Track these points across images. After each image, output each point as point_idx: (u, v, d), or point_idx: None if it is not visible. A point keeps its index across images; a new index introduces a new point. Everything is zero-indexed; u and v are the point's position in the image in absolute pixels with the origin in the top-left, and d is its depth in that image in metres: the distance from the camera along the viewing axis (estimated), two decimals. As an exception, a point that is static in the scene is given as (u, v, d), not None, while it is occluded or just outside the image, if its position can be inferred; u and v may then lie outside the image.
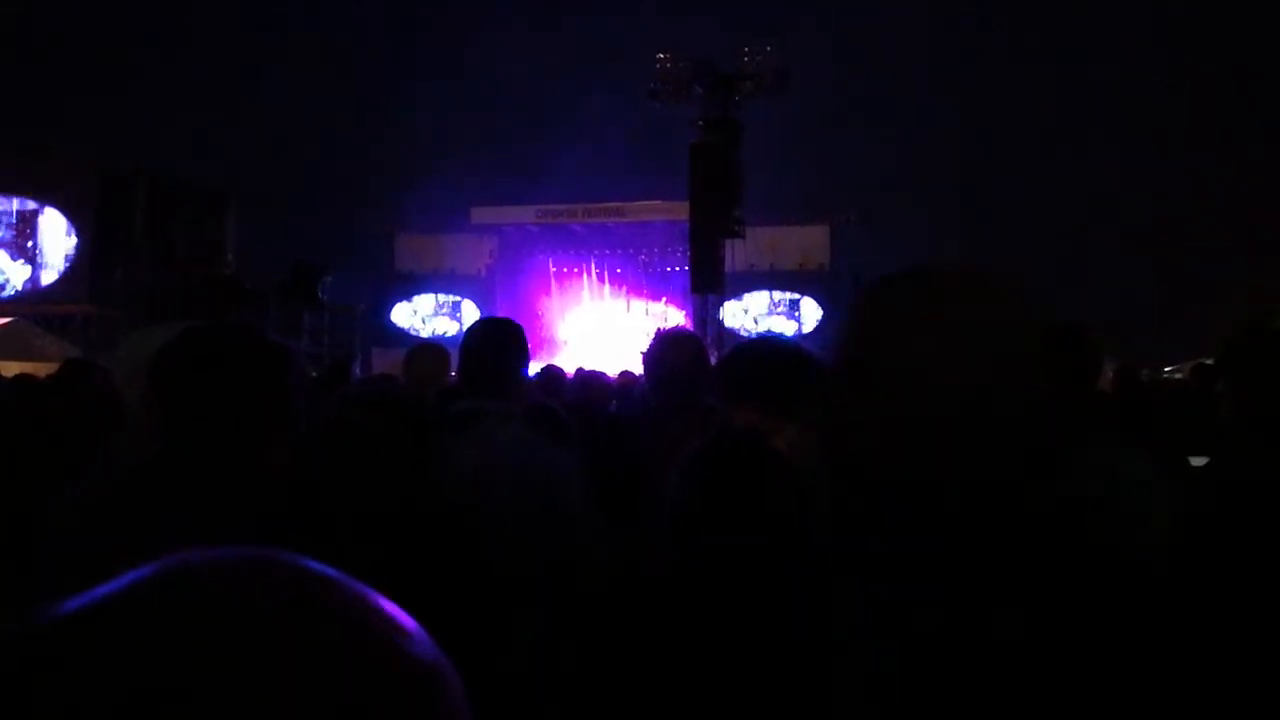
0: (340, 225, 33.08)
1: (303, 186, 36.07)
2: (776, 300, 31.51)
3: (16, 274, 24.81)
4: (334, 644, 0.39)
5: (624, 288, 31.41)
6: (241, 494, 1.36)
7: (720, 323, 23.80)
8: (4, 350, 14.38)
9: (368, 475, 1.96)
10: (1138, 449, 2.07)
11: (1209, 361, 6.74)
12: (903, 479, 0.93)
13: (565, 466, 2.28)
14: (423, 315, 33.02)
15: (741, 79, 23.08)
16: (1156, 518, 1.92)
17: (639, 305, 31.23)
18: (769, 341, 1.97)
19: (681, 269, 28.01)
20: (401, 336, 30.54)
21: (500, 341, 2.45)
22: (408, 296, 33.02)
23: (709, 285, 22.92)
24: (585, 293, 31.39)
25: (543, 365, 6.35)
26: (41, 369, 8.27)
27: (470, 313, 32.51)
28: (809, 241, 31.19)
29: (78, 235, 24.43)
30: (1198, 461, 2.81)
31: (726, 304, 26.78)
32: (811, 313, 31.17)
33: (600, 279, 31.49)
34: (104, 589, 0.39)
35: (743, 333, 28.56)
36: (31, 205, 24.70)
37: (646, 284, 31.48)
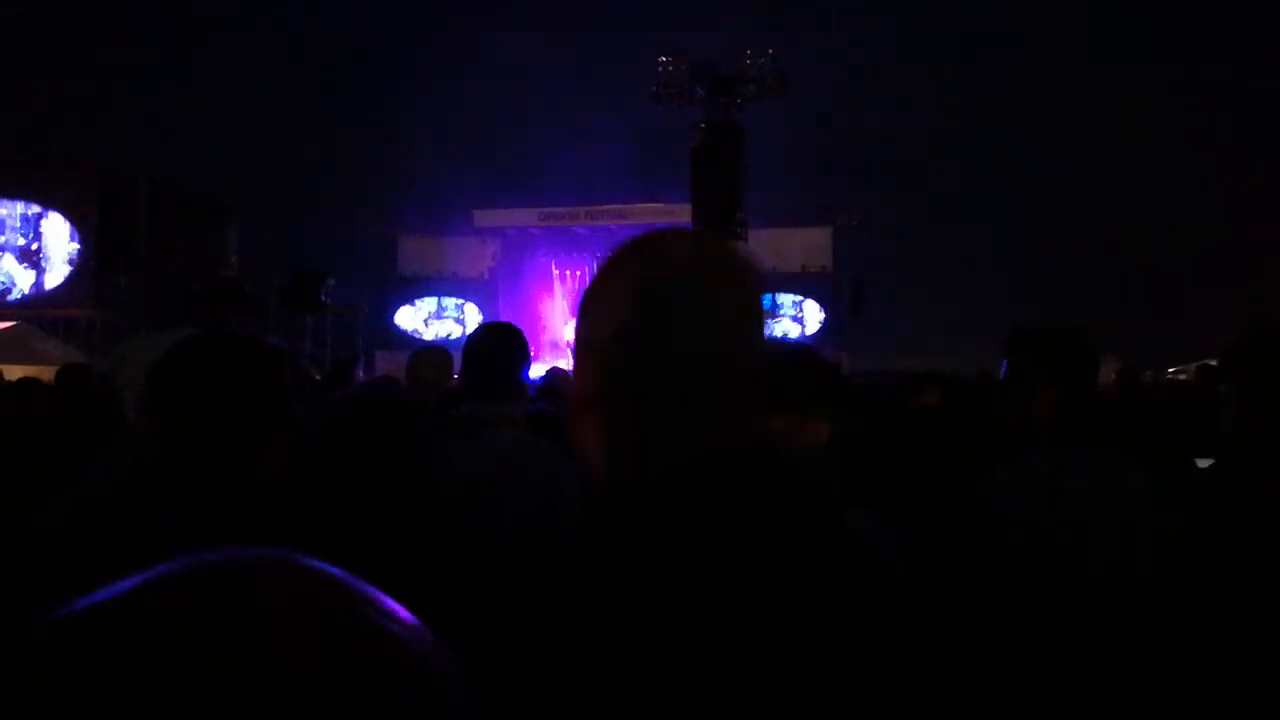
0: (343, 228, 33.16)
1: (305, 190, 36.16)
2: (779, 302, 31.49)
3: (22, 278, 24.86)
4: (339, 642, 0.40)
5: (627, 290, 31.39)
6: (238, 497, 1.36)
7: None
8: (7, 354, 14.40)
9: (365, 476, 1.96)
10: (1131, 453, 2.06)
11: (1214, 363, 6.73)
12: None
13: (568, 472, 2.29)
14: (425, 318, 33.04)
15: (743, 82, 23.11)
16: (1150, 520, 1.91)
17: (642, 308, 31.19)
18: (775, 343, 1.96)
19: (684, 271, 27.97)
20: (404, 339, 30.56)
21: (502, 346, 2.45)
22: (410, 299, 33.03)
23: (711, 288, 22.90)
24: (588, 295, 31.38)
25: (547, 368, 6.34)
26: (45, 373, 8.27)
27: (472, 315, 32.54)
28: (811, 244, 31.16)
29: (81, 240, 24.48)
30: (1204, 464, 2.79)
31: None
32: (814, 315, 31.15)
33: (603, 282, 31.47)
34: (110, 591, 0.40)
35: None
36: (35, 209, 24.76)
37: (649, 286, 31.46)
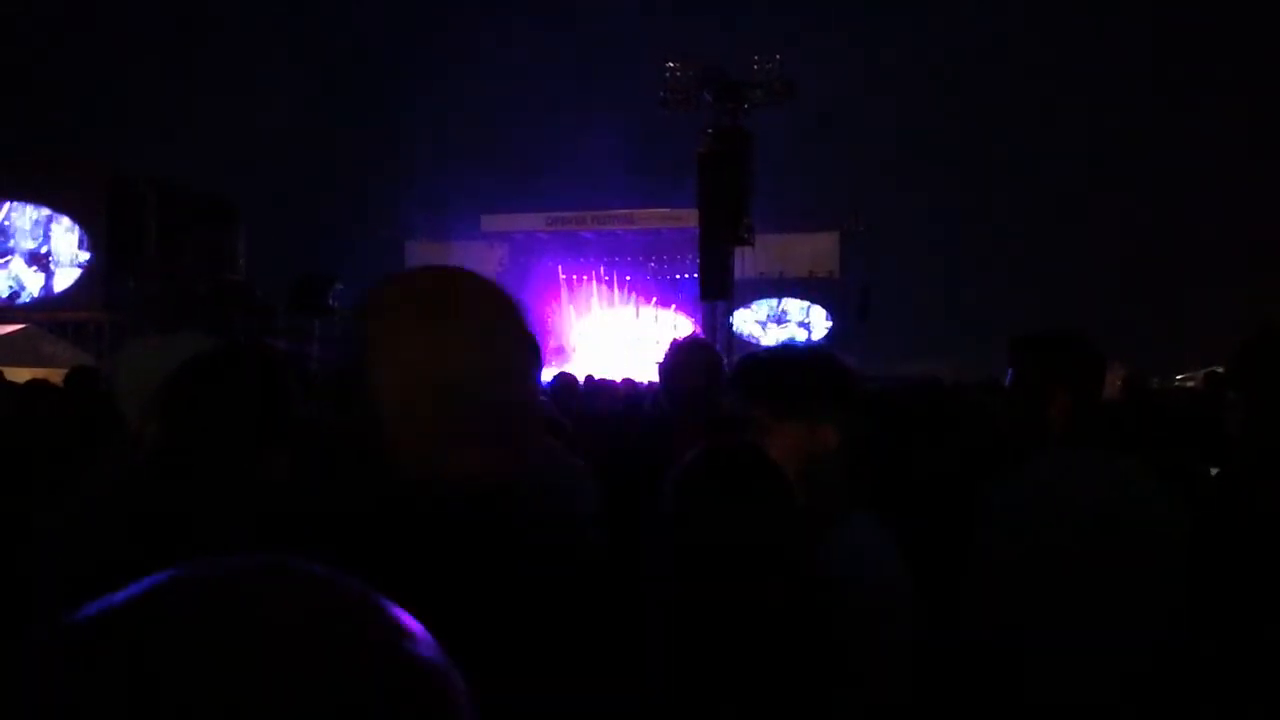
0: (350, 232, 33.22)
1: (312, 194, 36.25)
2: (785, 307, 31.49)
3: (32, 281, 25.00)
4: (341, 646, 0.40)
5: (633, 295, 31.44)
6: (239, 499, 1.36)
7: (730, 329, 23.78)
8: (17, 356, 14.47)
9: (372, 480, 1.96)
10: (1137, 456, 2.06)
11: (1221, 370, 6.71)
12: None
13: (582, 473, 2.29)
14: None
15: (750, 87, 23.12)
16: (1158, 523, 1.90)
17: (648, 312, 31.25)
18: (788, 347, 1.98)
19: (691, 276, 28.03)
20: (411, 343, 30.55)
21: None
22: (417, 304, 33.09)
23: (718, 292, 22.93)
24: (595, 300, 31.43)
25: (555, 373, 6.35)
26: (54, 375, 8.31)
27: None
28: (818, 249, 31.19)
29: (90, 244, 24.61)
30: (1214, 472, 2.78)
31: (737, 311, 26.79)
32: (821, 320, 31.15)
33: (610, 286, 31.52)
34: (116, 597, 0.40)
35: (750, 340, 28.54)
36: (44, 212, 24.90)
37: (656, 291, 31.51)
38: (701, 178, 22.35)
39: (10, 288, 24.88)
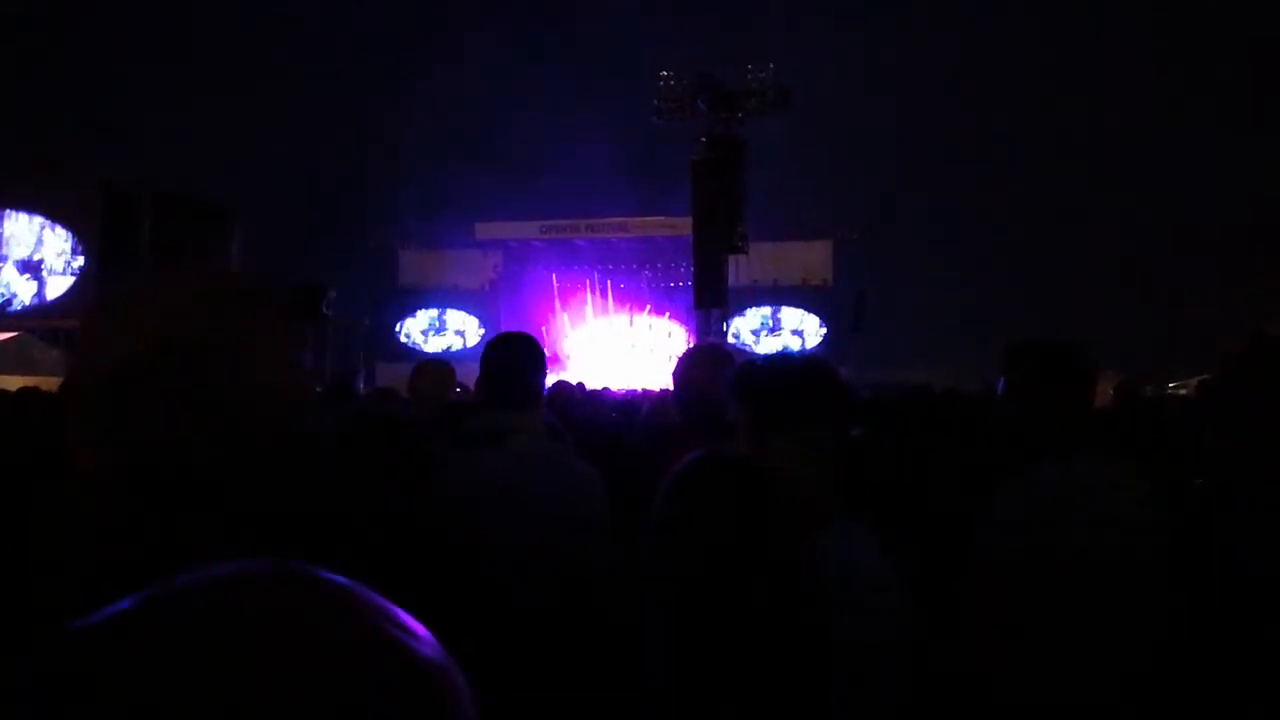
0: (344, 241, 33.17)
1: (306, 203, 36.23)
2: (779, 315, 31.53)
3: (24, 289, 24.93)
4: (343, 648, 0.41)
5: (628, 303, 31.47)
6: (256, 515, 1.36)
7: (724, 338, 23.80)
8: (8, 364, 14.43)
9: (363, 489, 1.97)
10: (1126, 462, 2.08)
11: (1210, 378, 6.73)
12: None
13: (594, 480, 2.31)
14: (426, 330, 33.09)
15: (744, 96, 23.20)
16: (1152, 528, 1.92)
17: (642, 320, 31.27)
18: (783, 357, 1.99)
19: (685, 284, 28.07)
20: (405, 351, 30.61)
21: (521, 356, 2.45)
22: (411, 312, 33.10)
23: (712, 300, 22.97)
24: (589, 308, 31.44)
25: (552, 381, 6.36)
26: (46, 383, 8.29)
27: (472, 328, 32.59)
28: (812, 257, 31.25)
29: (83, 252, 24.56)
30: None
31: (733, 319, 26.83)
32: (814, 328, 31.19)
33: (604, 294, 31.54)
34: (123, 604, 0.41)
35: (744, 348, 28.57)
36: (38, 219, 24.85)
37: (650, 299, 31.53)
38: (695, 186, 22.40)
39: (2, 295, 24.82)
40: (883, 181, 37.54)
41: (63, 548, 1.50)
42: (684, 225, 25.02)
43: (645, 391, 8.43)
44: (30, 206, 24.84)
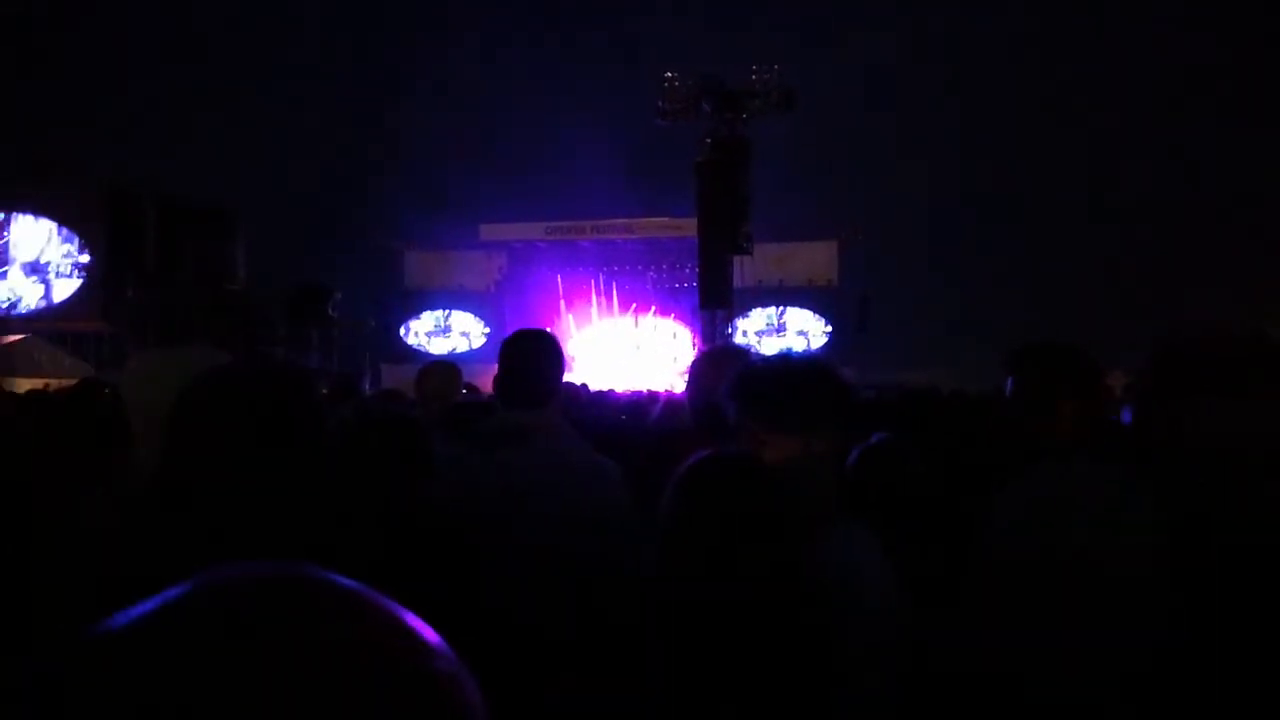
0: (349, 242, 33.21)
1: (311, 205, 36.29)
2: (784, 317, 31.53)
3: (31, 292, 25.02)
4: (355, 652, 0.41)
5: (633, 304, 31.47)
6: (259, 514, 1.36)
7: (729, 339, 23.79)
8: (17, 366, 14.48)
9: (367, 491, 1.98)
10: (1129, 463, 2.08)
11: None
12: None
13: (617, 479, 2.28)
14: (431, 331, 33.14)
15: (749, 97, 23.19)
16: (1158, 531, 1.92)
17: (647, 321, 31.27)
18: (785, 358, 1.98)
19: (690, 285, 28.06)
20: (410, 353, 30.66)
21: (540, 353, 2.42)
22: (416, 313, 33.15)
23: (717, 301, 22.96)
24: (593, 309, 31.45)
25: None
26: (52, 385, 8.33)
27: (477, 329, 32.63)
28: (817, 258, 31.23)
29: (89, 254, 24.65)
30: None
31: (738, 320, 26.83)
32: (819, 329, 31.18)
33: (608, 295, 31.55)
34: (141, 607, 0.41)
35: (749, 349, 28.51)
36: (44, 222, 24.93)
37: (655, 300, 31.52)
38: (700, 187, 22.40)
39: (9, 298, 24.90)
40: (888, 182, 37.52)
41: (69, 549, 1.51)
42: (689, 226, 25.01)
43: (650, 393, 8.43)
44: (36, 209, 24.92)
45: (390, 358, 28.38)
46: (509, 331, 2.71)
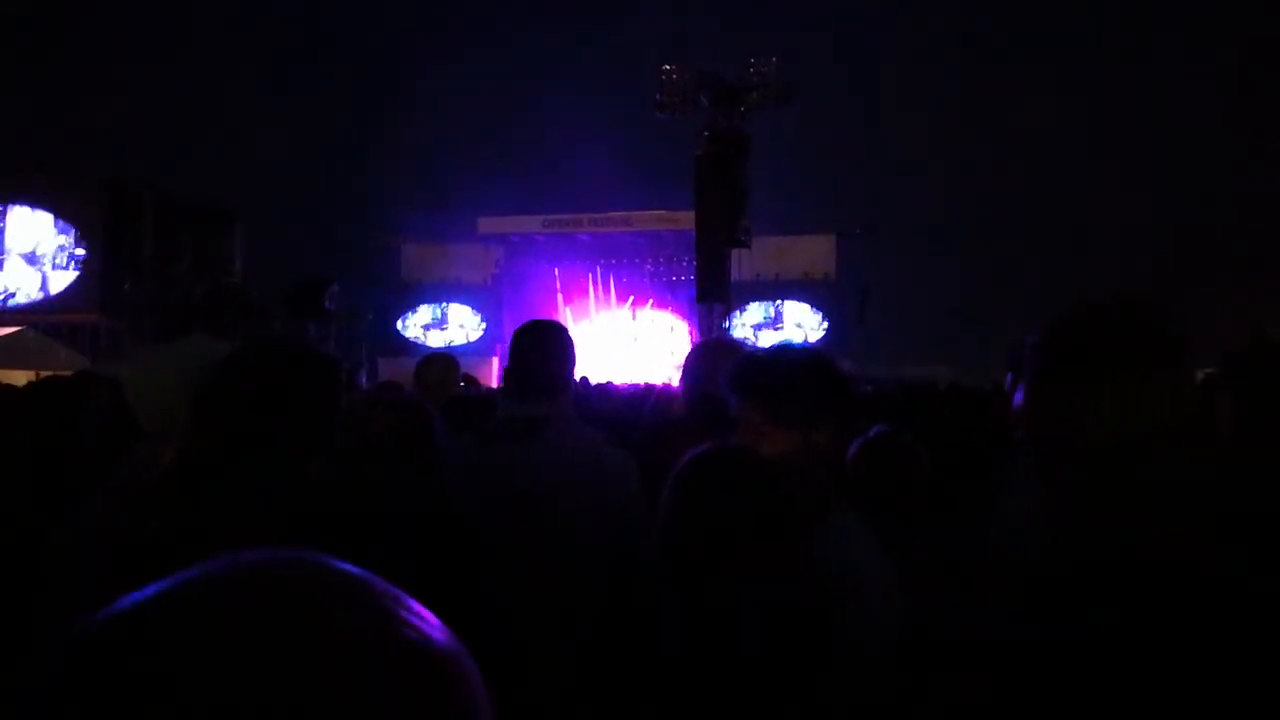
0: (346, 236, 33.16)
1: (309, 198, 36.22)
2: (782, 310, 31.51)
3: (28, 284, 24.96)
4: (358, 636, 0.42)
5: (630, 297, 31.44)
6: (287, 498, 1.36)
7: (726, 332, 23.79)
8: (14, 359, 14.45)
9: (379, 480, 1.98)
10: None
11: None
12: None
13: (631, 469, 2.28)
14: (428, 324, 33.08)
15: (747, 90, 23.15)
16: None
17: (645, 314, 31.25)
18: (788, 349, 1.97)
19: (688, 278, 28.04)
20: (407, 345, 30.61)
21: (552, 345, 2.42)
22: (414, 306, 33.09)
23: (714, 294, 22.96)
24: (591, 302, 31.42)
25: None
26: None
27: (474, 322, 32.59)
28: (815, 251, 31.20)
29: (86, 248, 24.59)
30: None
31: (735, 314, 26.83)
32: (817, 322, 31.16)
33: (606, 288, 31.52)
34: (150, 590, 0.42)
35: (745, 342, 28.53)
36: (42, 214, 24.86)
37: (653, 293, 31.50)
38: (698, 180, 22.38)
39: (5, 290, 24.84)
40: (886, 176, 37.50)
41: (73, 542, 1.51)
42: (687, 219, 24.99)
43: (649, 386, 8.44)
44: (34, 202, 24.85)
45: (387, 351, 28.33)
46: (506, 324, 2.71)
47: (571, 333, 2.56)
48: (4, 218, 25.01)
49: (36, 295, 24.83)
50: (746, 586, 1.44)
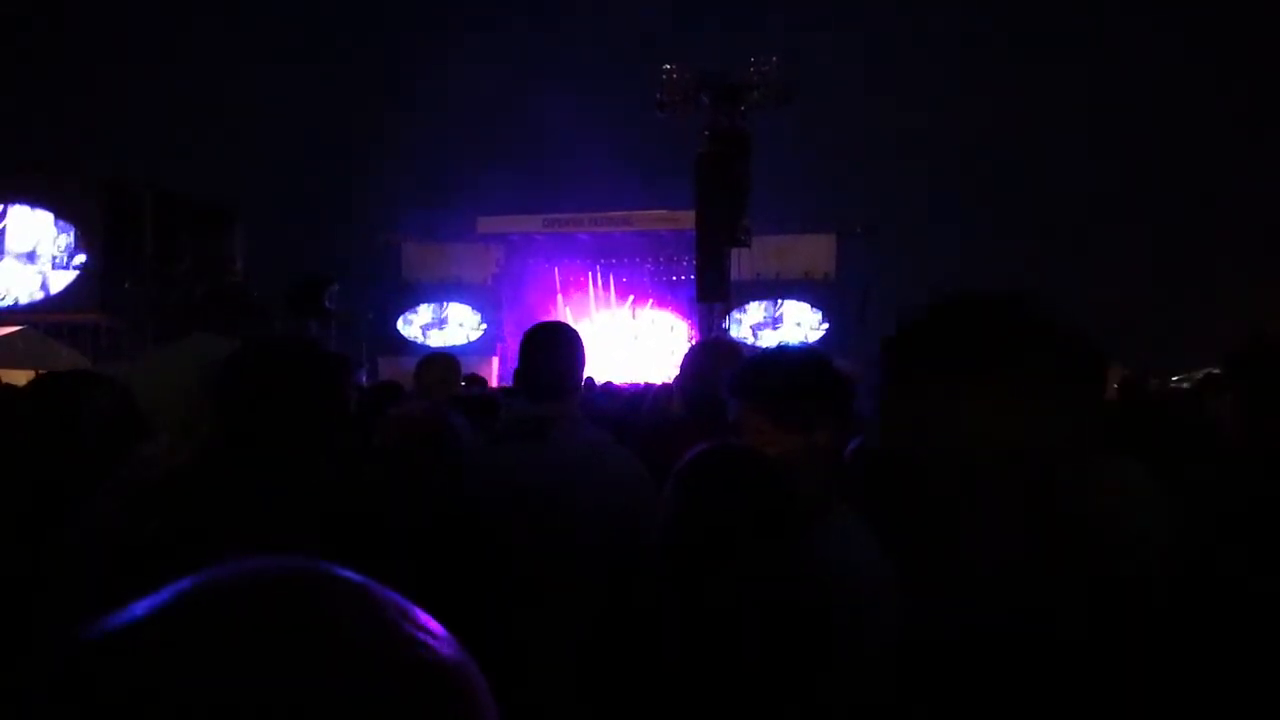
0: (347, 235, 33.22)
1: (309, 198, 36.22)
2: (782, 309, 31.51)
3: (28, 284, 24.96)
4: (362, 646, 0.41)
5: (630, 296, 31.45)
6: (298, 497, 1.36)
7: (726, 331, 23.80)
8: (14, 359, 14.45)
9: (396, 487, 1.98)
10: (1139, 462, 2.08)
11: (1217, 370, 6.72)
12: None
13: (639, 471, 2.28)
14: (428, 324, 33.09)
15: (748, 89, 23.14)
16: (1156, 534, 1.93)
17: (645, 314, 31.25)
18: (787, 350, 1.97)
19: (688, 277, 28.03)
20: (407, 345, 30.62)
21: (560, 346, 2.42)
22: (413, 305, 33.10)
23: (715, 294, 22.94)
24: (591, 301, 31.42)
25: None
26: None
27: (474, 321, 32.59)
28: (815, 251, 31.21)
29: (86, 247, 24.59)
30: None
31: (735, 313, 26.82)
32: (816, 321, 31.16)
33: (606, 288, 31.52)
34: (154, 596, 0.42)
35: (744, 341, 28.53)
36: (41, 214, 24.86)
37: (653, 292, 31.51)
38: (699, 179, 22.37)
39: (4, 290, 24.84)
40: (886, 175, 37.49)
41: (73, 542, 1.51)
42: (687, 219, 24.98)
43: (648, 385, 8.45)
44: (34, 202, 24.86)
45: (387, 350, 28.34)
46: (506, 324, 2.72)
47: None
48: (4, 217, 25.01)
49: (37, 295, 24.83)
50: (746, 586, 1.44)
